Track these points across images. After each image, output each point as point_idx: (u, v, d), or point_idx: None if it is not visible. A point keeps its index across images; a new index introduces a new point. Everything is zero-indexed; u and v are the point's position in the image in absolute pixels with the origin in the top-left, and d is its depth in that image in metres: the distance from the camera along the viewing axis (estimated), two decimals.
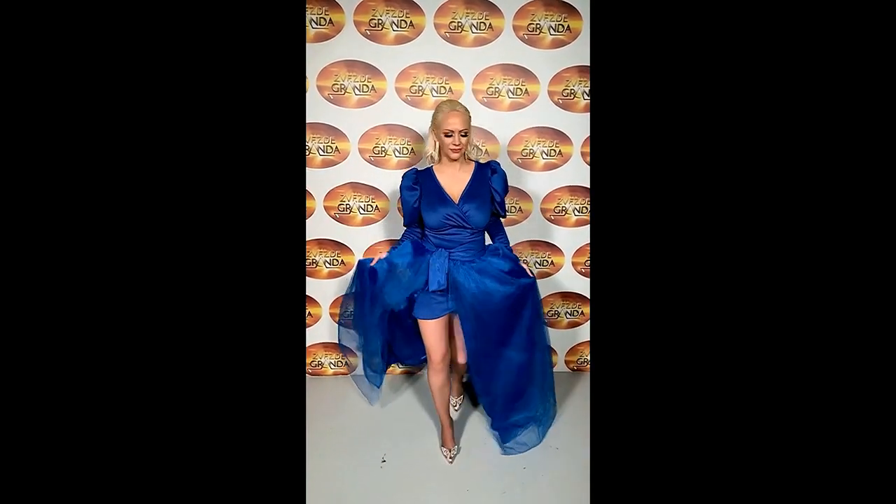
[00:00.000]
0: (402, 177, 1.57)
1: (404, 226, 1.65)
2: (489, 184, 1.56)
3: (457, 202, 1.51)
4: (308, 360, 2.24)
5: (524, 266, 1.63)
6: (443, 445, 1.74)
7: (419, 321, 1.58)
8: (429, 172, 1.56)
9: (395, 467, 1.64)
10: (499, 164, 1.61)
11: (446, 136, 1.48)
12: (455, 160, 1.54)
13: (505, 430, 1.70)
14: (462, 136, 1.48)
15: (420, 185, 1.54)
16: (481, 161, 1.61)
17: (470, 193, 1.52)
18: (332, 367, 2.25)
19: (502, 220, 1.72)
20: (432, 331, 1.56)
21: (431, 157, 1.55)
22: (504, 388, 1.62)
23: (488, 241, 1.69)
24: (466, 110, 1.50)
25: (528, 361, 1.62)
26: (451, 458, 1.69)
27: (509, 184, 2.03)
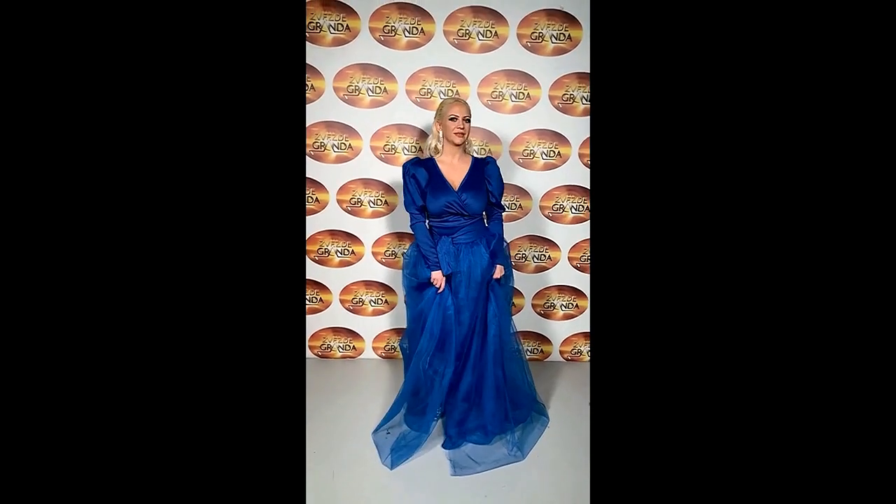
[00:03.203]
0: (406, 164, 1.63)
1: (413, 211, 1.65)
2: (485, 175, 1.67)
3: (456, 190, 1.62)
4: (318, 344, 2.39)
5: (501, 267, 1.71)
6: None
7: None
8: (431, 162, 1.66)
9: (399, 436, 1.78)
10: (493, 159, 1.71)
11: (451, 119, 1.59)
12: (458, 145, 1.64)
13: (457, 436, 1.71)
14: (465, 121, 1.60)
15: (423, 169, 1.63)
16: (478, 157, 1.72)
17: (468, 183, 1.63)
18: (341, 350, 2.40)
19: (502, 212, 1.76)
20: None
21: (435, 148, 1.65)
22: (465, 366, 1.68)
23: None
24: (467, 104, 1.64)
25: (482, 332, 1.67)
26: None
27: (511, 182, 2.18)
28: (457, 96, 1.63)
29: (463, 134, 1.61)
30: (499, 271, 1.69)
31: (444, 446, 1.72)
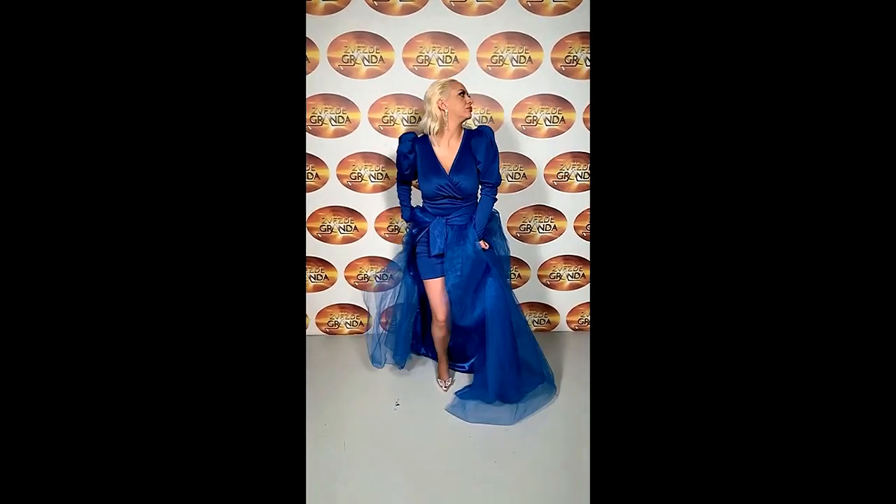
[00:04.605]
0: (402, 139, 1.64)
1: (398, 181, 1.78)
2: (471, 149, 1.63)
3: (448, 173, 1.61)
4: (325, 321, 2.40)
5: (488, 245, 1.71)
6: (439, 378, 1.97)
7: (424, 282, 1.73)
8: (425, 141, 1.64)
9: (408, 411, 1.81)
10: (488, 128, 1.65)
11: (461, 94, 1.57)
12: (467, 119, 1.62)
13: (464, 393, 1.84)
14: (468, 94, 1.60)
15: (416, 150, 1.63)
16: (471, 130, 1.69)
17: (458, 164, 1.61)
18: (348, 326, 2.41)
19: (491, 189, 1.69)
20: (436, 291, 1.71)
21: (432, 128, 1.62)
22: (473, 333, 1.77)
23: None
24: None
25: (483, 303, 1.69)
26: (445, 387, 1.92)
27: (514, 151, 2.13)
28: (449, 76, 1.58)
29: (471, 107, 1.62)
30: (482, 244, 1.69)
31: (456, 393, 1.84)
